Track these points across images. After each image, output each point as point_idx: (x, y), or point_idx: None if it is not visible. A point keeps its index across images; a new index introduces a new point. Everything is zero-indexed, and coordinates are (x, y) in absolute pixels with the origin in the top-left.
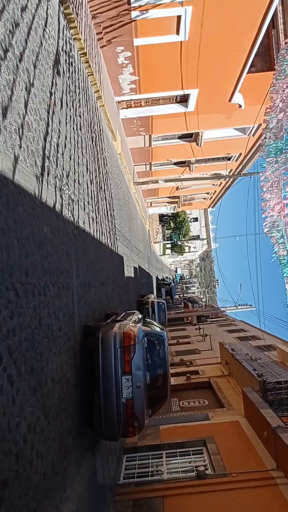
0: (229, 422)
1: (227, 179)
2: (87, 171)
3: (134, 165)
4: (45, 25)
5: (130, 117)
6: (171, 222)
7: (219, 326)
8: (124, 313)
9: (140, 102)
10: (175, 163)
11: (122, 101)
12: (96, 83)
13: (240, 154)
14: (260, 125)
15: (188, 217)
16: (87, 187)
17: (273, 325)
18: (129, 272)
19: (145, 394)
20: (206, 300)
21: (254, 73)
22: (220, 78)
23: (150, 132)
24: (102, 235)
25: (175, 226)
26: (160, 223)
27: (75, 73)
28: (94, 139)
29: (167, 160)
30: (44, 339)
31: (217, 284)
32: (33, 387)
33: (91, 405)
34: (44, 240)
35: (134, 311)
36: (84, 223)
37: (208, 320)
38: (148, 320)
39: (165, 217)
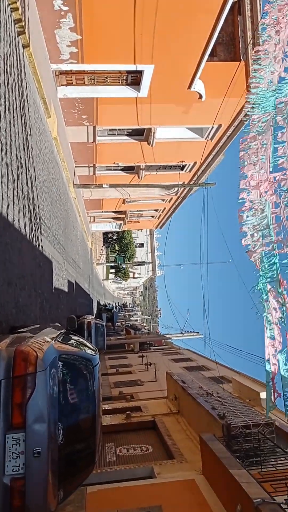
0: (181, 481)
1: (180, 189)
2: None
3: (76, 166)
4: None
5: (70, 98)
6: (116, 245)
7: (164, 354)
8: (36, 326)
9: (83, 78)
10: (123, 169)
11: (60, 72)
12: (17, 8)
13: (195, 163)
14: (220, 126)
15: (134, 241)
16: None
17: (225, 355)
18: (60, 284)
19: (51, 465)
20: (149, 328)
21: (217, 62)
22: (181, 51)
23: (94, 122)
24: (14, 216)
25: (120, 249)
26: (104, 244)
27: None
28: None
29: (114, 163)
30: None
31: (160, 314)
32: None
33: None
34: None
35: (56, 324)
36: None
37: (151, 348)
38: (73, 336)
39: (110, 238)
